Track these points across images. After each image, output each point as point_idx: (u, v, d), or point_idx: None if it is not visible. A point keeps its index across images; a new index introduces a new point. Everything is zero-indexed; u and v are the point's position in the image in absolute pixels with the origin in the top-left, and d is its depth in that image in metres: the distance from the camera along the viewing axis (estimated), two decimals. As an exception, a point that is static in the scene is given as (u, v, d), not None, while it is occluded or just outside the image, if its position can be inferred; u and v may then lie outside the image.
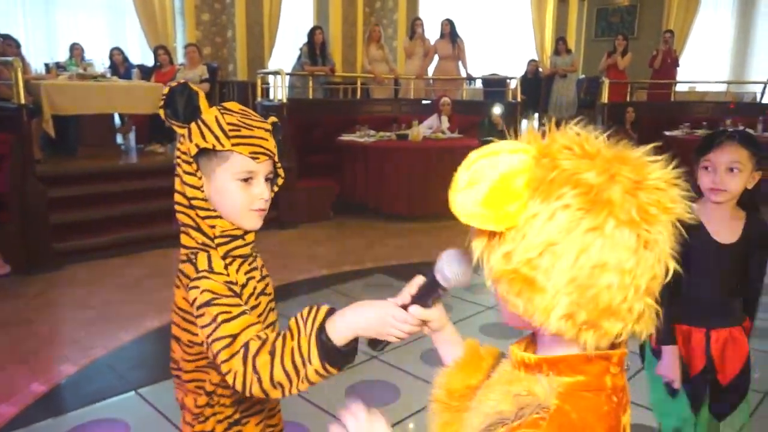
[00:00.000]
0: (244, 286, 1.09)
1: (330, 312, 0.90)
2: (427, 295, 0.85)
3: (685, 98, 9.74)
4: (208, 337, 0.95)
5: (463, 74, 8.46)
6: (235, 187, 1.05)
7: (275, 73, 6.21)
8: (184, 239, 1.09)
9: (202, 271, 1.02)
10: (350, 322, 0.87)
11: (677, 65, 9.25)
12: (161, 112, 1.06)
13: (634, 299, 0.59)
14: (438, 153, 6.12)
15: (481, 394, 0.75)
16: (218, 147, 1.03)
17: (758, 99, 9.80)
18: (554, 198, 0.59)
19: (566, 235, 0.58)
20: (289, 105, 5.83)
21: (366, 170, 6.11)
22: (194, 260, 1.05)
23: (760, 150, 1.65)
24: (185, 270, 1.07)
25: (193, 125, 1.05)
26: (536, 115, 9.96)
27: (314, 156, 6.22)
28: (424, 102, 8.21)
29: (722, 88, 11.25)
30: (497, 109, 7.15)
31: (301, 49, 7.92)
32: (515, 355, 0.70)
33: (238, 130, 1.05)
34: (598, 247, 0.58)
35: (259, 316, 1.12)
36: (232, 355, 0.90)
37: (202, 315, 0.97)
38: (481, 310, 3.64)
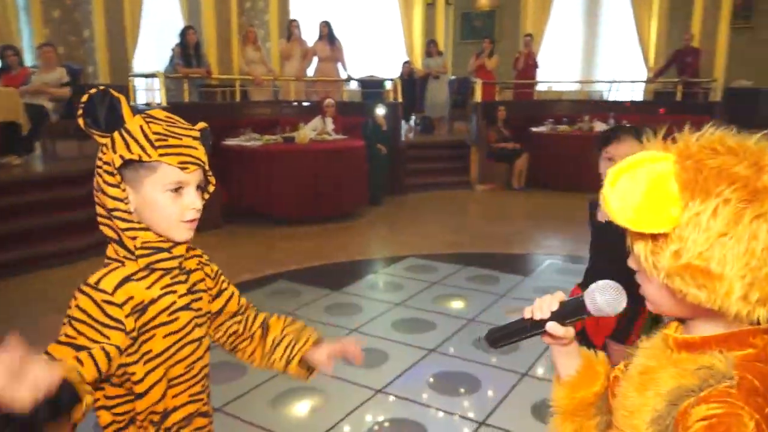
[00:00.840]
0: (153, 301, 1.01)
1: None
2: (569, 315, 0.85)
3: (545, 97, 10.52)
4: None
5: (343, 75, 8.48)
6: (165, 198, 1.00)
7: (152, 75, 5.82)
8: (108, 251, 1.03)
9: (87, 284, 0.97)
10: None
11: (537, 67, 9.96)
12: (80, 121, 0.98)
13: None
14: (326, 155, 6.11)
15: (626, 387, 0.81)
16: (145, 158, 0.97)
17: (605, 97, 10.82)
18: (713, 195, 0.64)
19: (734, 227, 0.64)
20: (170, 109, 5.47)
21: (254, 175, 5.94)
22: (100, 271, 1.00)
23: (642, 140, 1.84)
24: (89, 279, 1.01)
25: (116, 135, 0.98)
26: (413, 115, 10.25)
27: (198, 162, 5.92)
28: (305, 104, 8.13)
29: (575, 87, 12.35)
30: (381, 110, 7.27)
31: (173, 50, 7.50)
32: (675, 339, 0.76)
33: (165, 140, 0.99)
34: (765, 231, 0.64)
35: (177, 332, 1.04)
36: None
37: (65, 324, 0.95)
38: (391, 308, 3.67)
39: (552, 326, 0.84)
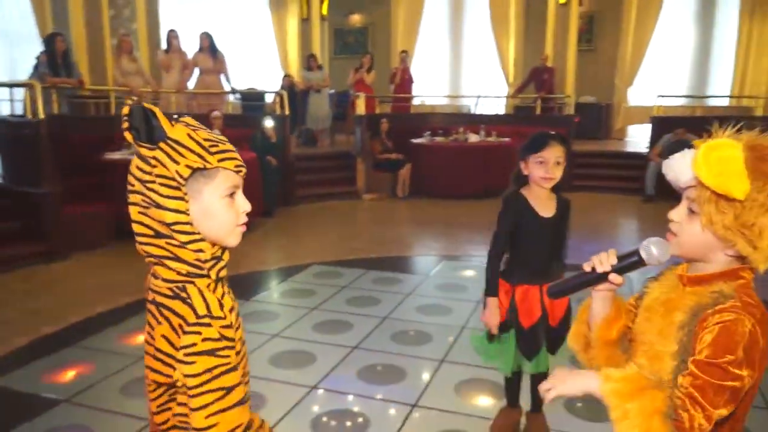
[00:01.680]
0: (232, 309, 1.04)
1: None
2: (627, 268, 1.08)
3: (420, 110, 11.12)
4: (198, 386, 0.93)
5: (227, 88, 8.41)
6: (223, 204, 1.01)
7: (26, 85, 5.43)
8: (162, 272, 1.00)
9: (204, 316, 0.96)
10: None
11: (413, 81, 10.53)
12: (127, 135, 0.97)
13: None
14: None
15: (648, 311, 1.13)
16: (208, 165, 0.98)
17: (472, 110, 11.64)
18: None
19: None
20: (48, 122, 5.16)
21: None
22: (185, 297, 0.98)
23: (570, 147, 2.19)
24: (174, 307, 0.98)
25: (164, 146, 0.97)
26: (295, 128, 10.36)
27: (80, 178, 5.61)
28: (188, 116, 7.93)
29: (445, 101, 13.16)
30: (269, 122, 7.32)
31: (38, 58, 7.00)
32: (689, 276, 1.08)
33: (217, 146, 1.00)
34: None
35: (238, 328, 1.07)
36: (223, 409, 0.94)
37: (193, 363, 0.94)
38: (308, 312, 3.80)
39: (614, 276, 1.10)
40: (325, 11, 12.45)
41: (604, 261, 1.10)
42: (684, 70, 12.01)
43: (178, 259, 0.99)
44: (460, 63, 13.62)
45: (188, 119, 1.04)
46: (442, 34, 13.60)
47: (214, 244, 1.03)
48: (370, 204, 8.04)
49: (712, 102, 11.34)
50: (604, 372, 1.04)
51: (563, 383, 1.08)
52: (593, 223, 6.39)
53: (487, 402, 2.72)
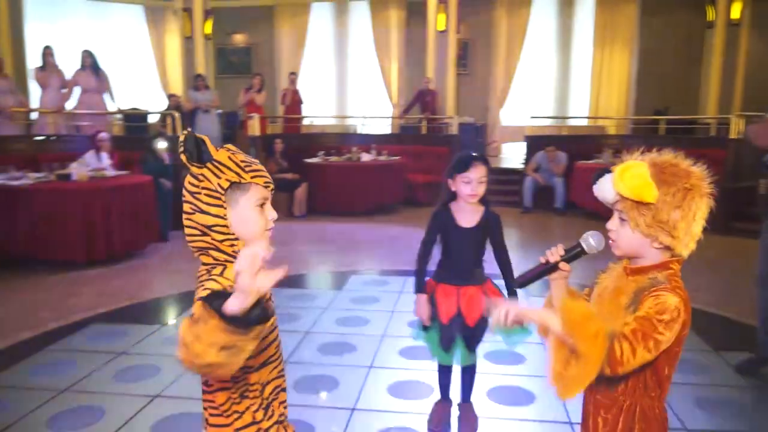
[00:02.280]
0: None
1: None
2: (573, 257, 1.35)
3: (311, 131, 11.30)
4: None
5: (112, 107, 8.07)
6: (255, 213, 1.26)
7: None
8: (204, 258, 1.26)
9: (214, 275, 1.21)
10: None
11: (302, 102, 10.70)
12: (183, 157, 1.20)
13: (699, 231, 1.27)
14: (111, 192, 5.80)
15: (599, 297, 1.40)
16: (243, 180, 1.23)
17: (359, 130, 11.99)
18: (678, 185, 1.25)
19: (695, 200, 1.26)
20: None
21: (30, 217, 5.39)
22: (214, 269, 1.23)
23: (490, 167, 2.48)
24: (203, 277, 1.23)
25: (210, 165, 1.21)
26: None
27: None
28: (69, 138, 7.51)
29: (333, 121, 13.44)
30: (162, 143, 7.14)
31: None
32: (632, 268, 1.36)
33: (250, 165, 1.26)
34: (701, 208, 1.26)
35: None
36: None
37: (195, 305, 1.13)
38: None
39: (563, 265, 1.36)
40: (208, 30, 12.27)
41: (554, 253, 1.37)
42: (548, 94, 13.26)
43: (218, 250, 1.24)
44: (345, 84, 13.99)
45: (230, 146, 1.29)
46: (327, 55, 13.91)
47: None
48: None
49: (574, 122, 12.59)
50: (560, 301, 1.34)
51: (515, 309, 1.31)
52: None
53: (419, 399, 2.94)
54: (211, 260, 1.25)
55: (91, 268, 5.38)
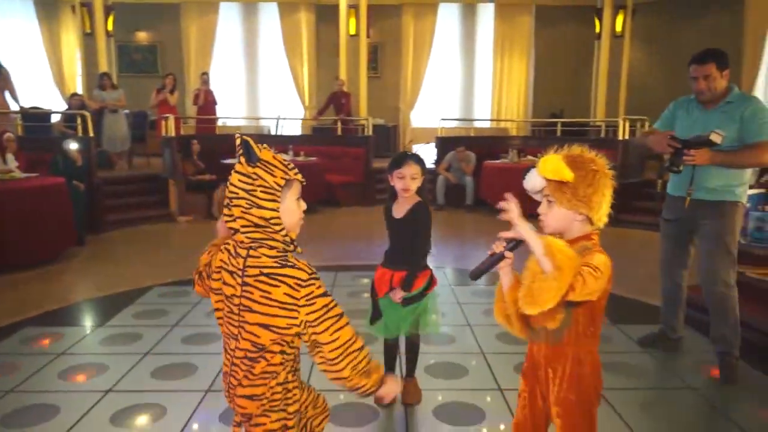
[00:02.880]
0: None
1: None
2: (513, 247, 1.61)
3: (224, 131, 11.20)
4: (319, 318, 1.45)
5: (14, 106, 7.66)
6: (295, 205, 1.49)
7: None
8: (265, 251, 1.45)
9: (312, 273, 1.47)
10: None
11: (216, 103, 10.60)
12: (241, 159, 1.42)
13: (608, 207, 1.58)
14: (22, 195, 5.60)
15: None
16: (289, 178, 1.45)
17: (273, 132, 12.03)
18: (588, 168, 1.58)
19: (602, 180, 1.58)
20: None
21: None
22: (290, 263, 1.46)
23: (425, 165, 2.77)
24: (287, 272, 1.45)
25: (260, 165, 1.41)
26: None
27: None
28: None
29: (244, 122, 13.37)
30: (74, 145, 6.91)
31: None
32: (565, 241, 1.58)
33: (290, 164, 1.48)
34: (604, 185, 1.55)
35: None
36: (340, 328, 1.48)
37: (314, 303, 1.45)
38: (172, 328, 3.89)
39: (508, 254, 1.62)
40: (110, 27, 11.80)
41: (498, 246, 1.66)
42: (455, 97, 13.95)
43: (274, 240, 1.44)
44: (256, 85, 13.95)
45: (266, 146, 1.48)
46: (236, 56, 13.80)
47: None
48: (187, 226, 7.98)
49: (479, 124, 13.33)
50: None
51: (521, 221, 1.55)
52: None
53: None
54: (274, 252, 1.46)
55: (6, 274, 5.16)
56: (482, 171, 9.16)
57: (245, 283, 1.47)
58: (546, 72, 13.81)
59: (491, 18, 13.57)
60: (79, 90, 12.49)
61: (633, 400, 2.93)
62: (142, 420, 2.73)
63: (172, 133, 8.52)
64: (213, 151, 9.06)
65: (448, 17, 13.63)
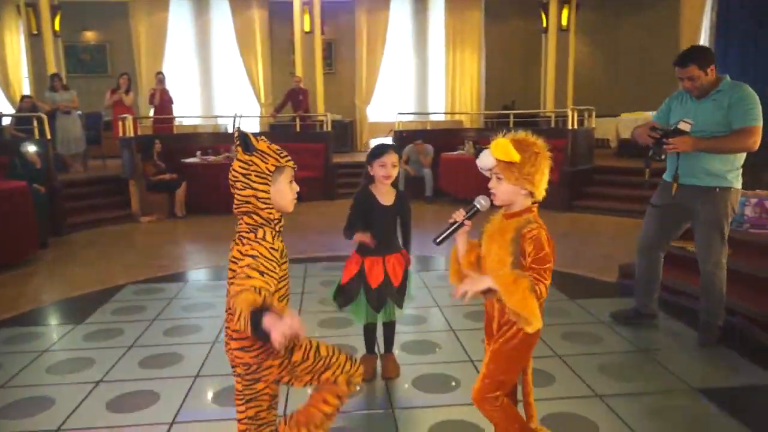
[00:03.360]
0: (280, 251, 1.73)
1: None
2: (472, 215, 1.88)
3: (183, 131, 11.14)
4: (237, 271, 1.60)
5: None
6: (287, 187, 1.76)
7: None
8: (247, 220, 1.71)
9: (259, 239, 1.67)
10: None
11: (172, 102, 10.55)
12: (238, 149, 1.67)
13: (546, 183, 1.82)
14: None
15: (489, 240, 1.84)
16: (281, 164, 1.72)
17: (229, 130, 11.98)
18: (531, 150, 1.79)
19: (536, 161, 1.80)
20: None
21: None
22: (256, 231, 1.69)
23: (401, 157, 3.01)
24: (249, 236, 1.68)
25: (256, 154, 1.69)
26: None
27: None
28: None
29: (200, 121, 13.29)
30: (32, 148, 6.83)
31: None
32: (508, 214, 1.89)
33: (281, 152, 1.75)
34: (545, 165, 1.79)
35: (283, 263, 1.75)
36: (238, 291, 1.51)
37: (244, 260, 1.62)
38: (151, 323, 3.99)
39: (467, 222, 1.89)
40: (57, 27, 11.54)
41: (459, 214, 1.94)
42: (410, 92, 14.22)
43: (257, 215, 1.71)
44: (210, 83, 13.88)
45: (263, 138, 1.73)
46: (189, 54, 13.69)
47: (279, 211, 1.75)
48: (150, 226, 7.98)
49: (435, 117, 13.64)
50: (493, 273, 1.84)
51: (472, 285, 1.81)
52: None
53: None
54: (252, 221, 1.69)
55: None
56: (440, 163, 9.46)
57: (234, 243, 1.74)
58: (497, 65, 14.24)
59: (442, 13, 13.88)
60: (27, 92, 12.17)
61: (589, 362, 3.23)
62: (137, 405, 2.86)
63: (131, 133, 8.47)
64: (172, 151, 9.07)
65: (400, 13, 13.88)
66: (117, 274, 5.33)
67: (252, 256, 1.61)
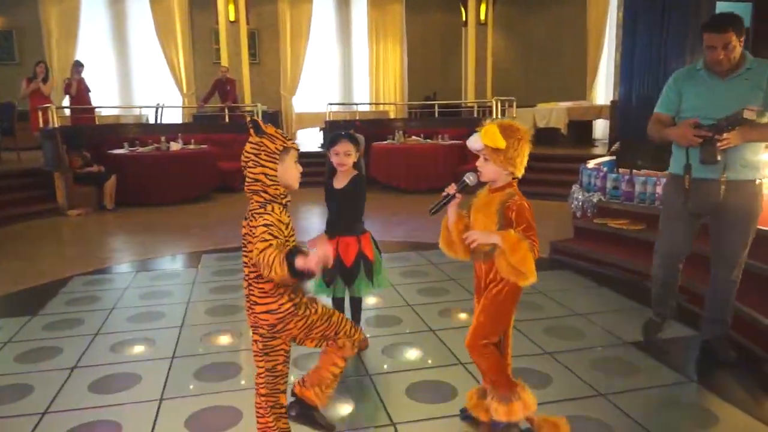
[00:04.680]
0: (287, 224, 1.93)
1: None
2: (463, 189, 2.11)
3: (104, 121, 10.73)
4: (255, 238, 1.82)
5: None
6: (293, 166, 1.96)
7: None
8: (256, 198, 1.90)
9: (269, 212, 1.88)
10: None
11: (89, 91, 10.14)
12: (251, 131, 1.87)
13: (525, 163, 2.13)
14: None
15: (476, 211, 2.12)
16: (287, 146, 1.92)
17: (152, 120, 11.67)
18: (515, 137, 2.07)
19: (524, 145, 2.09)
20: None
21: None
22: (265, 206, 1.89)
23: (357, 142, 3.20)
24: (260, 210, 1.88)
25: (265, 137, 1.89)
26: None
27: None
28: None
29: (117, 111, 12.82)
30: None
31: None
32: (493, 189, 2.18)
33: (287, 135, 1.94)
34: (527, 149, 2.09)
35: (291, 236, 1.95)
36: (263, 249, 1.79)
37: (259, 228, 1.83)
38: (110, 311, 4.00)
39: (458, 195, 2.16)
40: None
41: (451, 188, 2.21)
42: (335, 83, 14.38)
43: (266, 192, 1.90)
44: (128, 73, 13.41)
45: (270, 124, 1.93)
46: (104, 43, 13.16)
47: (285, 188, 1.92)
48: (80, 219, 7.72)
49: (361, 108, 13.88)
50: (501, 232, 2.10)
51: (482, 237, 2.09)
52: (302, 208, 7.64)
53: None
54: (261, 199, 1.89)
55: None
56: (371, 152, 9.72)
57: (246, 221, 1.93)
58: (418, 57, 14.68)
59: (365, 5, 14.12)
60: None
61: (536, 325, 3.62)
62: (121, 386, 2.93)
63: (56, 123, 8.13)
64: (96, 142, 8.79)
65: (323, 4, 13.98)
66: (59, 266, 5.21)
67: (265, 224, 1.83)
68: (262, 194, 1.89)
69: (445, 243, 2.31)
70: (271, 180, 1.88)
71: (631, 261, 4.58)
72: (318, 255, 1.70)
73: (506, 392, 2.29)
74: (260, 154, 1.87)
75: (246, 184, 1.92)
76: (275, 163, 1.88)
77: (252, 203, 1.92)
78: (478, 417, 2.44)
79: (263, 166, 1.87)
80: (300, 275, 1.69)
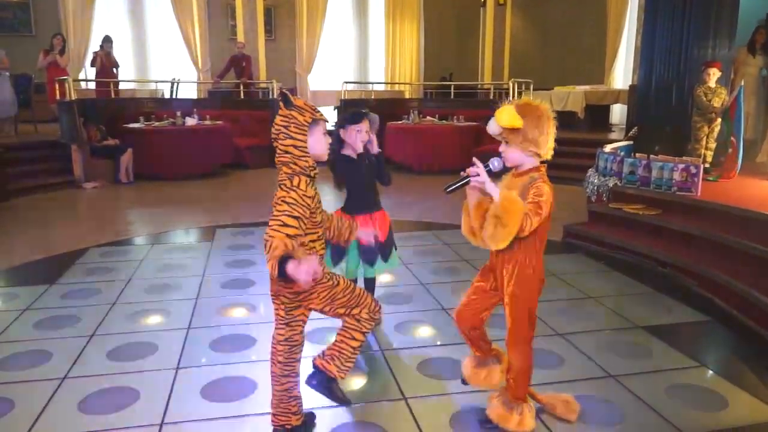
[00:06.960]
0: (313, 197, 1.97)
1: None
2: (487, 173, 2.05)
3: (123, 95, 10.78)
4: (276, 215, 1.86)
5: None
6: (322, 138, 2.00)
7: None
8: (285, 169, 1.95)
9: (294, 186, 1.91)
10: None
11: (117, 66, 10.18)
12: (282, 104, 1.90)
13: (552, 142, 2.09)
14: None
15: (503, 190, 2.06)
16: (317, 117, 1.94)
17: (167, 95, 11.71)
18: (533, 114, 2.02)
19: (545, 122, 2.03)
20: None
21: None
22: (292, 179, 1.93)
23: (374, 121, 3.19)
24: (286, 182, 1.93)
25: (294, 109, 1.91)
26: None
27: None
28: None
29: (133, 86, 12.84)
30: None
31: None
32: (517, 173, 2.12)
33: (316, 108, 1.97)
34: (550, 126, 2.04)
35: (317, 208, 1.99)
36: (274, 230, 1.83)
37: (281, 205, 1.87)
38: (123, 285, 4.07)
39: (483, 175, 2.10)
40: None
41: (473, 170, 2.16)
42: (351, 61, 14.30)
43: (295, 164, 1.95)
44: (144, 48, 13.40)
45: (298, 96, 1.94)
46: (120, 17, 13.13)
47: (315, 159, 1.96)
48: (95, 192, 7.81)
49: (376, 87, 13.82)
50: (503, 191, 2.08)
51: (485, 180, 2.04)
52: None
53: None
54: (289, 170, 1.93)
55: None
56: (386, 131, 9.69)
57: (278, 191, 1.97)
58: (435, 37, 14.54)
59: (382, -17, 13.98)
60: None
61: (548, 306, 3.63)
62: (137, 354, 2.99)
63: (73, 96, 8.18)
64: (113, 116, 8.84)
65: (340, -19, 13.85)
66: (76, 238, 5.28)
67: (288, 203, 1.86)
68: (292, 166, 1.93)
69: (467, 228, 2.26)
70: (300, 151, 1.92)
71: (646, 246, 4.57)
72: (304, 270, 1.68)
73: (514, 400, 2.30)
74: (290, 126, 1.91)
75: (276, 155, 1.96)
76: (305, 135, 1.92)
77: (281, 173, 1.96)
78: (476, 386, 2.48)
79: (293, 138, 1.91)
80: (286, 279, 1.73)
